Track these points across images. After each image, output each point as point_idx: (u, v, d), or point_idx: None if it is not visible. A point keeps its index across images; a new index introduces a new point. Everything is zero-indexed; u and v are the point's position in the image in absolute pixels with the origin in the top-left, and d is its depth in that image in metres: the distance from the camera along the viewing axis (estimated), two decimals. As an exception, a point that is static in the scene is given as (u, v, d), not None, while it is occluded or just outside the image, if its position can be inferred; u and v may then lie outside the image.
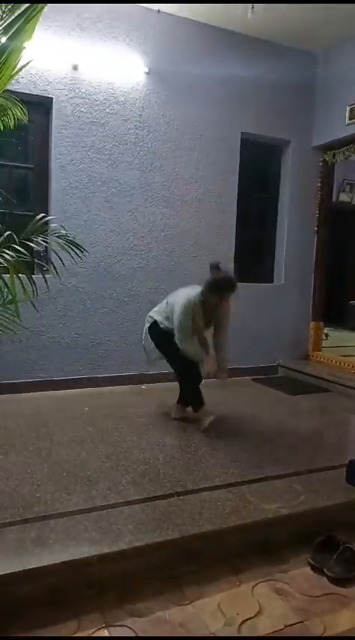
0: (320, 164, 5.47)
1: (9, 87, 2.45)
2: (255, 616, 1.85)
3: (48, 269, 3.20)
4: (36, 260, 3.37)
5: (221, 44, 4.82)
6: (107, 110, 4.41)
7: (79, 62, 4.23)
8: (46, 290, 3.21)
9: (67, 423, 3.46)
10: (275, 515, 2.30)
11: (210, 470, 2.75)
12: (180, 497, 2.41)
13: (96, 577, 1.93)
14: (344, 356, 5.45)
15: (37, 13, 2.10)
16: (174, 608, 1.87)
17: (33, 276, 2.76)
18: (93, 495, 2.39)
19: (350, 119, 4.90)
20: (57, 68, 4.18)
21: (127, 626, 1.77)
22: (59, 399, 4.15)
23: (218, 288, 3.23)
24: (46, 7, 2.14)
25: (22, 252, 2.49)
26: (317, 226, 5.56)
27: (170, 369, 3.65)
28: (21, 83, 4.00)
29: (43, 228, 2.87)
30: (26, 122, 3.04)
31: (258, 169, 5.46)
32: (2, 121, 2.93)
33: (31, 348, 4.28)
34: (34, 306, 3.05)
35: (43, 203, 4.35)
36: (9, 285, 2.46)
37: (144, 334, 3.63)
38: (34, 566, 1.84)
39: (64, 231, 3.02)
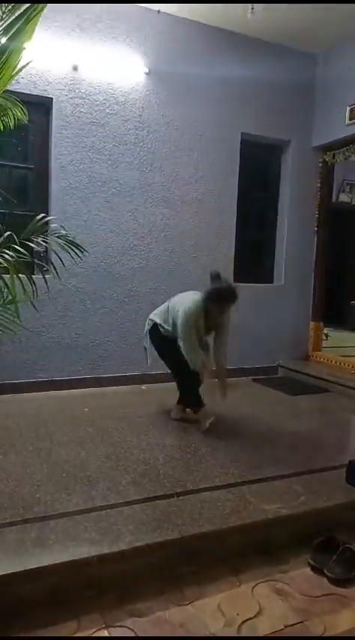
0: (320, 164, 5.47)
1: (9, 87, 2.45)
2: (255, 616, 1.85)
3: (48, 269, 3.20)
4: (36, 260, 3.38)
5: (221, 44, 4.82)
6: (107, 110, 4.41)
7: (79, 62, 4.24)
8: (46, 290, 3.21)
9: (66, 423, 3.46)
10: (275, 516, 2.30)
11: (210, 470, 2.75)
12: (180, 498, 2.41)
13: (96, 577, 1.93)
14: (344, 356, 5.44)
15: (37, 13, 2.11)
16: (174, 608, 1.87)
17: (33, 276, 2.76)
18: (93, 496, 2.39)
19: (350, 119, 4.90)
20: (57, 68, 4.18)
21: (127, 627, 1.77)
22: (59, 399, 4.15)
23: (219, 299, 3.22)
24: (46, 7, 2.15)
25: (22, 253, 2.49)
26: (317, 226, 5.56)
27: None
28: (21, 83, 4.01)
29: (43, 229, 2.87)
30: (26, 122, 3.05)
31: (257, 169, 5.46)
32: (2, 121, 2.93)
33: (31, 348, 4.28)
34: (34, 306, 3.04)
35: (43, 203, 4.35)
36: (9, 285, 2.46)
37: (144, 335, 3.63)
38: (34, 567, 1.84)
39: (64, 232, 3.03)
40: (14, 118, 2.95)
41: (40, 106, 4.23)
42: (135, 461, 2.83)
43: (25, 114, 2.96)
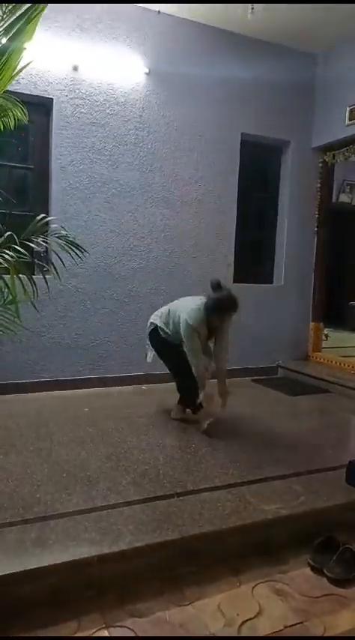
0: (320, 165, 5.47)
1: (9, 87, 2.45)
2: (254, 617, 1.85)
3: (48, 269, 3.20)
4: (36, 260, 3.38)
5: (221, 45, 4.82)
6: (107, 111, 4.42)
7: (79, 63, 4.24)
8: (46, 290, 3.21)
9: (67, 423, 3.46)
10: (275, 516, 2.30)
11: (210, 470, 2.75)
12: (180, 498, 2.41)
13: (96, 577, 1.93)
14: (344, 356, 5.45)
15: (38, 14, 2.11)
16: (174, 608, 1.87)
17: (33, 276, 2.77)
18: (94, 496, 2.39)
19: (349, 120, 4.91)
20: (57, 69, 4.18)
21: (127, 627, 1.77)
22: (59, 399, 4.15)
23: (219, 309, 3.22)
24: (46, 7, 2.15)
25: (22, 253, 2.50)
26: (317, 227, 5.56)
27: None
28: (21, 84, 4.01)
29: (44, 229, 2.87)
30: (26, 123, 3.05)
31: (257, 170, 5.46)
32: (3, 121, 2.93)
33: (32, 348, 4.28)
34: (34, 306, 3.05)
35: (43, 204, 4.36)
36: (9, 285, 2.46)
37: (146, 336, 3.67)
38: (34, 567, 1.84)
39: (64, 232, 3.03)
40: (14, 119, 2.95)
41: (40, 107, 4.23)
42: (135, 461, 2.83)
43: (25, 114, 2.96)
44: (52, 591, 1.85)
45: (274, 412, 4.05)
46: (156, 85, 4.58)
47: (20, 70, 2.34)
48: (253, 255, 5.54)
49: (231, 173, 5.05)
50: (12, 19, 2.16)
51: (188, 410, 3.59)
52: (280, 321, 5.45)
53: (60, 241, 2.94)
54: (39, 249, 2.82)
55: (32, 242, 2.72)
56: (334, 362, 5.37)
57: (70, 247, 2.94)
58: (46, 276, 3.07)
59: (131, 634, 1.74)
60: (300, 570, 2.15)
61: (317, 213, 5.53)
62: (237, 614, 1.86)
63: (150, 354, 3.67)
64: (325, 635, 1.80)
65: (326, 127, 5.22)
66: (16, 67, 2.28)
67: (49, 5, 2.56)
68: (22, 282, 2.51)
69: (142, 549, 2.01)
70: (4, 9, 2.27)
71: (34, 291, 2.71)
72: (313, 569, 2.15)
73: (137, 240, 4.66)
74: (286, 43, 5.06)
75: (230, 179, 5.05)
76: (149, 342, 3.65)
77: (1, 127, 2.98)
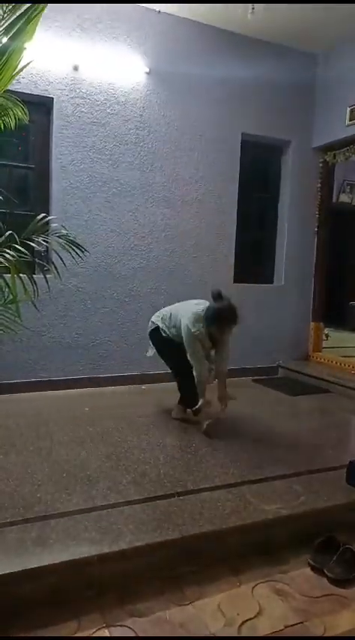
0: (321, 165, 5.47)
1: (10, 87, 2.45)
2: (255, 616, 1.85)
3: (49, 269, 3.21)
4: (37, 260, 3.38)
5: (221, 44, 4.82)
6: (108, 110, 4.41)
7: (79, 62, 4.24)
8: (46, 290, 3.21)
9: (67, 422, 3.46)
10: (275, 516, 2.30)
11: (211, 470, 2.75)
12: (181, 498, 2.41)
13: (96, 577, 1.93)
14: (345, 356, 5.44)
15: (38, 13, 2.11)
16: (174, 608, 1.87)
17: (34, 276, 2.77)
18: (94, 495, 2.39)
19: (350, 120, 4.90)
20: (58, 68, 4.18)
21: (127, 626, 1.77)
22: (60, 399, 4.15)
23: (219, 320, 3.19)
24: (46, 7, 2.15)
25: (23, 252, 2.50)
26: (318, 227, 5.56)
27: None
28: (22, 83, 4.01)
29: (44, 228, 2.87)
30: (27, 122, 3.05)
31: (258, 170, 5.46)
32: (3, 120, 2.94)
33: (32, 348, 4.28)
34: (34, 306, 3.05)
35: (43, 203, 4.36)
36: (10, 284, 2.46)
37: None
38: (34, 566, 1.84)
39: (64, 231, 3.03)
40: (15, 118, 2.96)
41: (40, 106, 4.23)
42: (135, 461, 2.83)
43: (25, 114, 2.96)
44: (53, 591, 1.85)
45: (274, 412, 4.04)
46: (156, 85, 4.58)
47: (21, 70, 2.34)
48: (253, 255, 5.53)
49: (232, 173, 5.05)
50: (12, 19, 2.16)
51: (188, 410, 3.59)
52: (280, 321, 5.45)
53: (60, 241, 2.95)
54: (39, 248, 2.82)
55: (33, 241, 2.72)
56: (334, 362, 5.37)
57: (70, 247, 2.94)
58: (47, 276, 3.07)
59: (131, 634, 1.74)
60: (300, 570, 2.15)
61: (317, 213, 5.53)
62: (238, 614, 1.86)
63: (151, 350, 3.68)
64: (325, 635, 1.80)
65: (327, 127, 5.22)
66: (16, 67, 2.27)
67: (49, 5, 2.56)
68: (22, 281, 2.51)
69: (142, 549, 2.01)
70: (4, 8, 2.27)
71: (34, 291, 2.71)
72: (313, 569, 2.15)
73: (137, 239, 4.65)
74: (286, 43, 5.06)
75: (230, 179, 5.04)
76: (150, 341, 3.66)
77: (2, 127, 2.98)
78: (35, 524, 2.12)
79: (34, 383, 4.27)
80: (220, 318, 3.18)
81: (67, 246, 2.95)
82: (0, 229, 2.67)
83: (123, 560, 1.98)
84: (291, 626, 1.83)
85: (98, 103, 4.37)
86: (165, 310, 3.57)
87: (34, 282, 2.74)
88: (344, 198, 8.60)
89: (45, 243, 2.83)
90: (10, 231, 2.61)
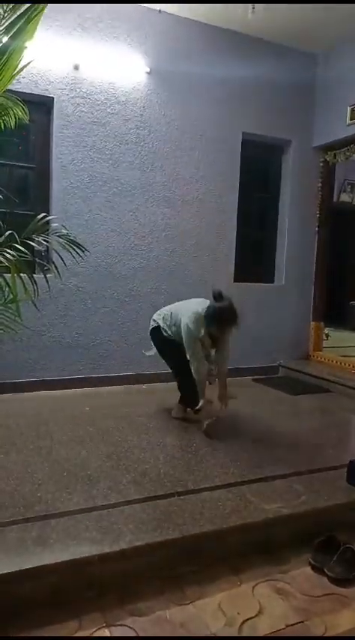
0: (321, 164, 5.47)
1: (10, 86, 2.45)
2: (255, 616, 1.85)
3: (49, 268, 3.21)
4: (37, 259, 3.38)
5: (221, 44, 4.82)
6: (108, 110, 4.41)
7: (80, 62, 4.24)
8: (47, 289, 3.21)
9: (67, 422, 3.46)
10: (275, 515, 2.30)
11: (211, 470, 2.75)
12: (181, 497, 2.41)
13: (96, 576, 1.93)
14: (345, 356, 5.44)
15: (39, 13, 2.11)
16: (174, 607, 1.87)
17: (34, 275, 2.77)
18: (94, 495, 2.39)
19: (350, 119, 4.90)
20: (58, 68, 4.18)
21: (128, 626, 1.77)
22: (60, 398, 4.15)
23: (219, 321, 3.19)
24: (47, 7, 2.15)
25: (23, 252, 2.50)
26: (318, 226, 5.56)
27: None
28: (22, 83, 4.01)
29: (44, 228, 2.87)
30: (27, 122, 3.06)
31: (258, 169, 5.46)
32: (3, 120, 2.94)
33: (32, 347, 4.28)
34: (35, 305, 3.05)
35: (44, 202, 4.35)
36: (10, 284, 2.46)
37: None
38: (34, 566, 1.84)
39: (65, 231, 3.03)
40: (15, 118, 2.96)
41: (41, 106, 4.23)
42: (135, 460, 2.83)
43: (26, 113, 2.97)
44: (53, 590, 1.85)
45: (275, 411, 4.04)
46: (157, 84, 4.58)
47: (21, 69, 2.34)
48: (254, 255, 5.53)
49: (232, 172, 5.05)
50: (13, 18, 2.16)
51: (189, 409, 3.59)
52: (281, 321, 5.45)
53: (61, 240, 2.94)
54: (40, 248, 2.82)
55: (33, 241, 2.72)
56: (335, 361, 5.37)
57: (70, 246, 2.94)
58: (47, 275, 3.07)
59: (132, 633, 1.74)
60: (301, 569, 2.15)
61: (318, 212, 5.53)
62: (238, 614, 1.86)
63: (151, 350, 3.68)
64: (326, 634, 1.80)
65: (327, 127, 5.21)
66: (17, 66, 2.27)
67: (50, 4, 2.56)
68: (22, 280, 2.51)
69: (143, 548, 2.01)
70: (4, 8, 2.27)
71: (34, 290, 2.71)
72: (314, 568, 2.15)
73: (138, 239, 4.65)
74: (287, 43, 5.06)
75: (231, 178, 5.04)
76: (151, 340, 3.66)
77: (2, 126, 2.98)
78: (35, 523, 2.12)
79: (34, 382, 4.27)
80: (220, 318, 3.18)
81: (67, 246, 2.94)
82: (0, 228, 2.67)
83: (124, 560, 1.98)
84: (292, 625, 1.83)
85: (98, 102, 4.37)
86: (166, 309, 3.57)
87: (35, 281, 2.74)
88: (345, 197, 8.60)
89: (45, 243, 2.82)
90: (11, 231, 2.61)
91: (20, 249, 2.49)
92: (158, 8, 4.41)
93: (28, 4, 2.10)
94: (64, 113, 4.26)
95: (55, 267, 3.10)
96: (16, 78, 2.48)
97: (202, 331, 3.22)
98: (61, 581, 1.87)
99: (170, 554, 2.07)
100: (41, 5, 2.11)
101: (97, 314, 4.54)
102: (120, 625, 1.77)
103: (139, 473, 2.66)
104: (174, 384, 3.62)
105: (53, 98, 4.20)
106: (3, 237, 2.57)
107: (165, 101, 4.64)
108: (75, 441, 3.09)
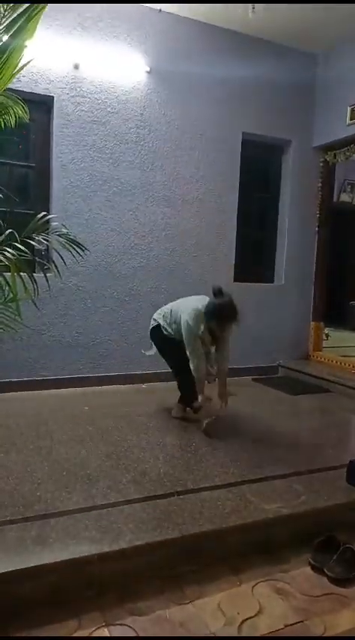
0: (321, 164, 5.47)
1: (10, 85, 2.45)
2: (255, 615, 1.85)
3: (49, 267, 3.21)
4: (37, 258, 3.38)
5: (222, 44, 4.81)
6: (108, 109, 4.41)
7: (80, 61, 4.23)
8: (47, 289, 3.21)
9: (67, 421, 3.46)
10: (275, 515, 2.30)
11: (211, 469, 2.75)
12: (181, 497, 2.41)
13: (96, 576, 1.92)
14: (345, 356, 5.44)
15: (39, 12, 2.11)
16: (174, 607, 1.87)
17: (34, 274, 2.77)
18: (94, 494, 2.39)
19: (350, 119, 4.90)
20: (58, 67, 4.18)
21: (127, 625, 1.77)
22: (60, 397, 4.15)
23: (219, 317, 3.19)
24: (47, 6, 2.15)
25: (23, 251, 2.50)
26: (318, 226, 5.56)
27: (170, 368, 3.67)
28: (22, 82, 4.00)
29: (44, 227, 2.87)
30: (27, 121, 3.06)
31: (258, 169, 5.46)
32: (3, 119, 2.93)
33: (32, 346, 4.28)
34: (35, 304, 3.05)
35: (44, 202, 4.35)
36: (10, 283, 2.46)
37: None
38: (34, 565, 1.84)
39: (65, 230, 3.03)
40: (15, 117, 2.96)
41: (41, 105, 4.23)
42: (135, 459, 2.83)
43: (26, 112, 2.97)
44: (52, 589, 1.85)
45: (275, 411, 4.04)
46: (157, 84, 4.58)
47: (21, 68, 2.34)
48: (254, 255, 5.53)
49: (232, 172, 5.05)
50: (13, 17, 2.16)
51: (188, 408, 3.59)
52: (281, 321, 5.45)
53: (61, 239, 2.94)
54: (40, 247, 2.82)
55: (33, 240, 2.72)
56: (334, 361, 5.37)
57: (70, 245, 2.94)
58: (47, 274, 3.07)
59: (131, 632, 1.74)
60: (301, 569, 2.15)
61: (318, 212, 5.53)
62: (238, 613, 1.86)
63: (151, 349, 3.68)
64: (325, 634, 1.80)
65: (327, 127, 5.21)
66: (17, 65, 2.27)
67: (50, 4, 2.55)
68: (22, 280, 2.51)
69: (142, 548, 2.00)
70: (5, 6, 2.27)
71: (34, 289, 2.71)
72: (313, 568, 2.15)
73: (138, 238, 4.65)
74: (287, 43, 5.05)
75: (231, 178, 5.04)
76: (151, 339, 3.66)
77: (2, 125, 2.98)
78: (35, 522, 2.12)
79: (34, 382, 4.27)
80: (220, 314, 3.18)
81: (67, 245, 2.94)
82: (0, 227, 2.67)
83: (123, 559, 1.98)
84: (291, 625, 1.83)
85: (98, 101, 4.37)
86: (166, 307, 3.57)
87: (35, 280, 2.74)
88: (345, 197, 8.60)
89: (45, 242, 2.82)
90: (11, 230, 2.61)
91: (20, 248, 2.49)
92: (158, 8, 4.41)
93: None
94: (64, 112, 4.25)
95: (55, 266, 3.10)
96: (17, 77, 2.48)
97: (202, 327, 3.21)
98: (60, 580, 1.87)
99: (170, 554, 2.07)
100: (41, 4, 2.10)
101: (97, 313, 4.53)
102: (120, 624, 1.77)
103: (139, 472, 2.66)
104: (174, 383, 3.61)
105: (53, 97, 4.20)
106: (3, 236, 2.57)
107: (165, 100, 4.64)
108: (74, 441, 3.08)
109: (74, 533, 2.05)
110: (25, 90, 3.98)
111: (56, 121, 4.24)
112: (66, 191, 4.32)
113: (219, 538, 2.18)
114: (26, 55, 2.27)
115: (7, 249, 2.43)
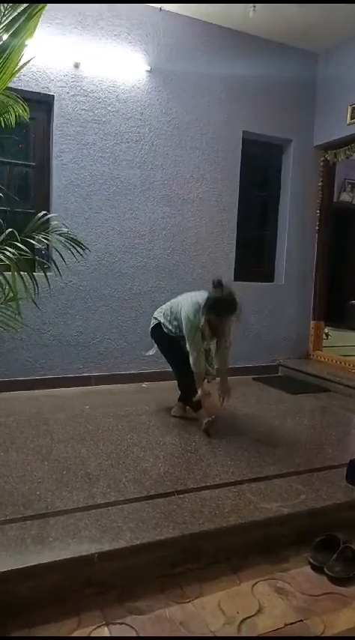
0: (322, 163, 5.47)
1: (10, 84, 2.45)
2: (255, 615, 1.85)
3: (49, 267, 3.21)
4: (37, 258, 3.38)
5: (222, 43, 4.81)
6: (108, 108, 4.41)
7: (80, 60, 4.23)
8: (47, 288, 3.22)
9: (67, 420, 3.46)
10: (275, 514, 2.30)
11: (211, 469, 2.75)
12: (181, 496, 2.41)
13: (96, 575, 1.92)
14: (345, 355, 5.44)
15: (39, 10, 2.11)
16: (174, 606, 1.87)
17: (34, 273, 2.77)
18: (94, 493, 2.39)
19: (351, 119, 4.90)
20: (58, 66, 4.18)
21: (127, 624, 1.77)
22: (60, 397, 4.15)
23: (218, 309, 3.18)
24: (47, 5, 2.15)
25: (23, 250, 2.50)
26: (318, 226, 5.56)
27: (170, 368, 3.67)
28: (22, 80, 4.00)
29: (45, 226, 2.87)
30: (27, 120, 3.06)
31: (258, 168, 5.46)
32: (4, 118, 2.93)
33: (32, 345, 4.28)
34: (35, 303, 3.05)
35: (44, 201, 4.35)
36: (10, 282, 2.46)
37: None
38: (34, 564, 1.84)
39: (65, 229, 3.03)
40: (15, 116, 2.96)
41: (41, 104, 4.23)
42: (135, 459, 2.83)
43: (26, 111, 2.96)
44: (52, 588, 1.85)
45: (275, 411, 4.04)
46: (157, 83, 4.57)
47: (21, 67, 2.34)
48: (254, 254, 5.53)
49: (233, 171, 5.04)
50: (13, 16, 2.16)
51: (189, 407, 3.58)
52: (281, 320, 5.45)
53: (61, 238, 2.94)
54: (40, 246, 2.81)
55: (33, 239, 2.72)
56: (334, 361, 5.37)
57: (70, 245, 2.94)
58: (47, 274, 3.07)
59: (131, 631, 1.74)
60: (301, 569, 2.15)
61: (318, 211, 5.53)
62: (237, 612, 1.86)
63: (152, 349, 3.67)
64: (325, 633, 1.80)
65: (328, 126, 5.21)
66: (17, 64, 2.27)
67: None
68: (23, 279, 2.50)
69: (142, 547, 2.00)
70: (5, 5, 2.26)
71: (34, 288, 2.71)
72: (313, 567, 2.15)
73: (138, 237, 4.65)
74: (287, 42, 5.05)
75: (231, 177, 5.04)
76: (152, 339, 3.65)
77: (2, 124, 2.97)
78: (35, 521, 2.12)
79: (34, 381, 4.27)
80: (220, 306, 3.17)
81: (67, 244, 2.94)
82: (0, 227, 2.67)
83: (123, 558, 1.98)
84: (291, 624, 1.83)
85: (99, 100, 4.36)
86: (166, 305, 3.57)
87: (35, 279, 2.74)
88: (345, 197, 8.60)
89: (45, 241, 2.82)
90: (11, 229, 2.61)
91: (20, 248, 2.49)
92: (159, 6, 4.40)
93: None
94: (65, 111, 4.25)
95: (55, 265, 3.10)
96: (17, 76, 2.48)
97: (202, 320, 3.21)
98: (60, 579, 1.87)
99: (170, 553, 2.07)
100: (41, 4, 2.10)
101: (97, 312, 4.53)
102: (120, 623, 1.77)
103: (139, 471, 2.66)
104: (174, 382, 3.61)
105: (53, 96, 4.20)
106: (3, 235, 2.57)
107: (166, 100, 4.63)
108: (75, 440, 3.09)
109: (74, 532, 2.05)
110: (25, 89, 3.98)
111: (56, 120, 4.24)
112: (66, 190, 4.32)
113: (219, 537, 2.17)
114: (26, 54, 2.28)
115: (8, 248, 2.43)
